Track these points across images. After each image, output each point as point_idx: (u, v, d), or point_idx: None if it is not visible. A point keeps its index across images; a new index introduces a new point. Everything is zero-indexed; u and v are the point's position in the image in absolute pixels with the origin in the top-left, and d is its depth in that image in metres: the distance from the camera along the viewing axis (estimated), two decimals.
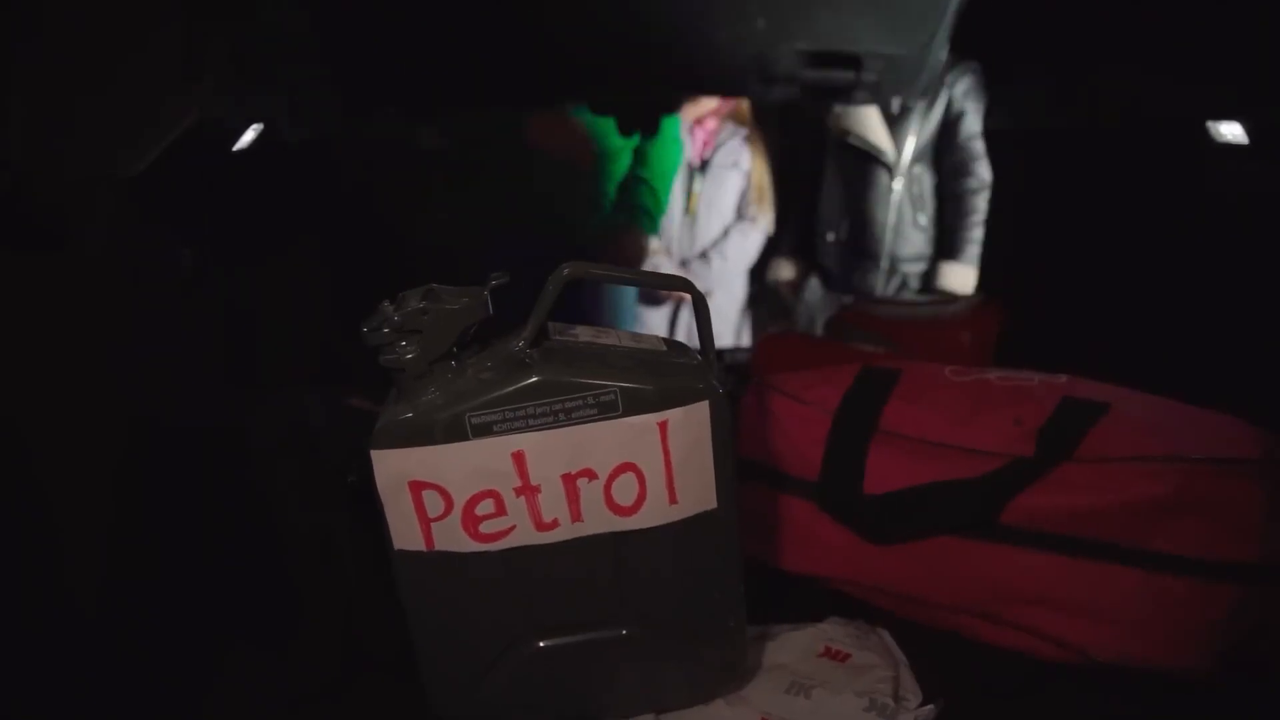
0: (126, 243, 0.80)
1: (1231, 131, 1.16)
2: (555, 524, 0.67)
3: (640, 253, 2.25)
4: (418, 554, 0.68)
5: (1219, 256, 1.16)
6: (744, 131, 2.67)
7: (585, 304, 2.26)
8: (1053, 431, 0.80)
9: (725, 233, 2.69)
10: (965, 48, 2.45)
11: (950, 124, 2.37)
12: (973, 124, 2.37)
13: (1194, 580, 0.75)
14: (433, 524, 0.67)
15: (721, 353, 1.77)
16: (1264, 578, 0.74)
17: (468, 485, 0.65)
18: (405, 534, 0.67)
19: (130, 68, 0.76)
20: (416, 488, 0.65)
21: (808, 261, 2.67)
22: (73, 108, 0.72)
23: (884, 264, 2.45)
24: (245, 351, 0.98)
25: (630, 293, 2.51)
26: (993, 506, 0.79)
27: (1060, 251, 1.43)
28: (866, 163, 2.43)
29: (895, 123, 2.40)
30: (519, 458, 0.64)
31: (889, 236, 2.43)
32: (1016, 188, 1.60)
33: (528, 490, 0.66)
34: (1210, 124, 1.17)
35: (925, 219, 2.43)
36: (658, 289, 1.98)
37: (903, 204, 2.42)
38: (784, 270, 2.69)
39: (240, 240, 0.97)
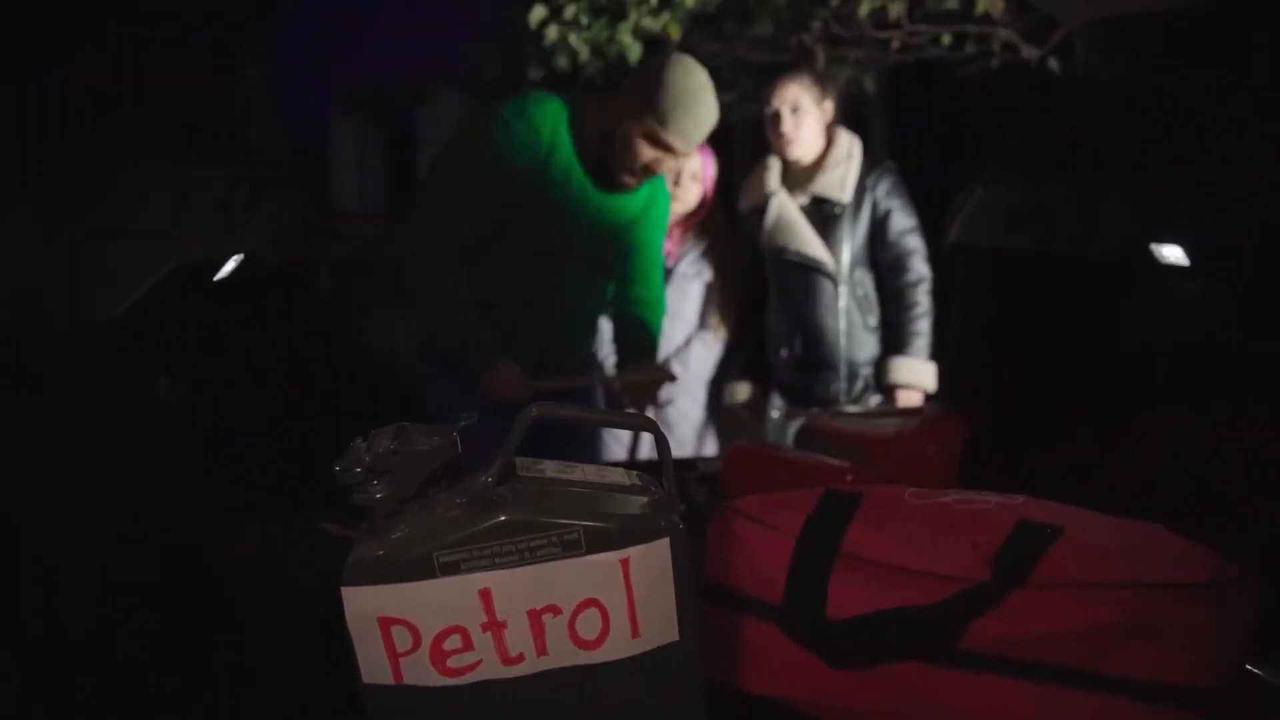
0: (106, 379, 0.82)
1: (1173, 254, 1.22)
2: (521, 658, 0.69)
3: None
4: (386, 688, 0.69)
5: (1161, 372, 1.20)
6: (707, 242, 2.73)
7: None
8: (1008, 557, 0.82)
9: (688, 341, 2.72)
10: (888, 154, 2.58)
11: (879, 224, 2.46)
12: (900, 221, 2.46)
13: (1148, 705, 0.76)
14: (401, 659, 0.68)
15: (694, 462, 1.79)
16: (1216, 700, 0.76)
17: (435, 621, 0.67)
18: (374, 668, 0.69)
19: (114, 215, 0.80)
20: (385, 623, 0.67)
21: (763, 381, 2.69)
22: (57, 256, 0.76)
23: (843, 371, 2.48)
24: (221, 477, 1.00)
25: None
26: (951, 632, 0.81)
27: (1021, 365, 1.47)
28: (808, 275, 2.49)
29: (828, 232, 2.47)
30: (485, 595, 0.66)
31: (844, 344, 2.48)
32: (979, 302, 1.66)
33: (494, 626, 0.67)
34: (1153, 246, 1.23)
35: (875, 320, 2.48)
36: (622, 428, 2.02)
37: (851, 310, 2.47)
38: (740, 392, 2.71)
39: (218, 367, 0.99)
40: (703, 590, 0.88)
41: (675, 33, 3.93)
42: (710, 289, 2.73)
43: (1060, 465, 1.26)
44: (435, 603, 0.66)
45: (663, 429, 2.31)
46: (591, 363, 2.35)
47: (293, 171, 1.36)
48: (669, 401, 2.69)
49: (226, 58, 1.08)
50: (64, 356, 0.78)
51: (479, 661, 0.68)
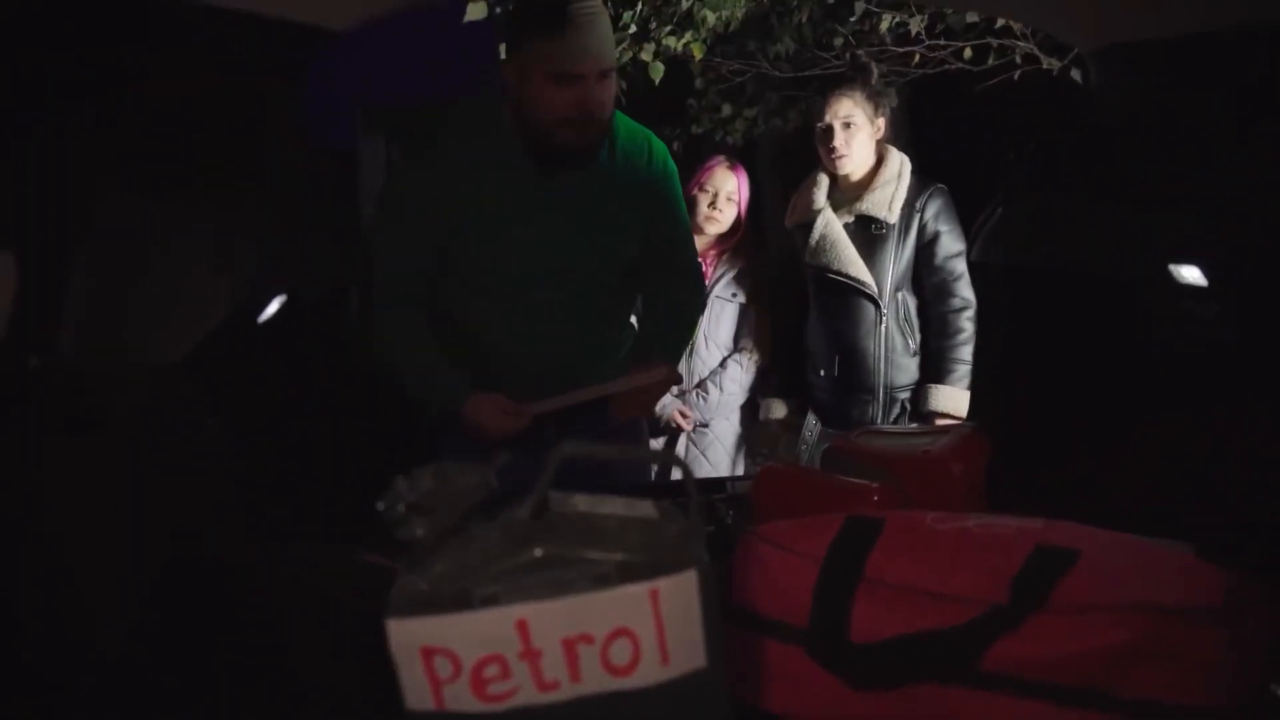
0: (159, 418, 0.87)
1: (1191, 274, 1.24)
2: (556, 685, 0.72)
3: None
4: (429, 714, 0.73)
5: (1179, 391, 1.22)
6: (742, 263, 2.73)
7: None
8: (1025, 581, 0.85)
9: (723, 364, 2.72)
10: (935, 173, 2.53)
11: (925, 247, 2.41)
12: (949, 244, 2.41)
13: None
14: (443, 686, 0.72)
15: (723, 482, 1.82)
16: None
17: (475, 651, 0.71)
18: (417, 695, 0.72)
19: (167, 268, 0.85)
20: (428, 653, 0.71)
21: (800, 399, 2.66)
22: (117, 307, 0.80)
23: (881, 395, 2.45)
24: (265, 508, 1.05)
25: None
26: (972, 655, 0.83)
27: (1042, 382, 1.49)
28: (850, 296, 2.45)
29: (872, 252, 2.43)
30: (522, 625, 0.70)
31: (883, 368, 2.44)
32: (1000, 319, 1.68)
33: (530, 655, 0.71)
34: (1171, 266, 1.25)
35: (915, 344, 2.44)
36: (650, 463, 1.93)
37: (891, 333, 2.43)
38: (776, 409, 2.70)
39: (262, 404, 1.04)
40: (729, 613, 0.91)
41: (698, 51, 3.97)
42: (745, 310, 2.73)
43: (1082, 482, 1.28)
44: (475, 633, 0.70)
45: (697, 451, 2.29)
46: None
47: (327, 201, 1.41)
48: (703, 423, 2.70)
49: (260, 91, 1.13)
50: (122, 398, 0.83)
51: (517, 688, 0.72)
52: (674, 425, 2.68)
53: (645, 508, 0.77)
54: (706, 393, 2.69)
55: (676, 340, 2.03)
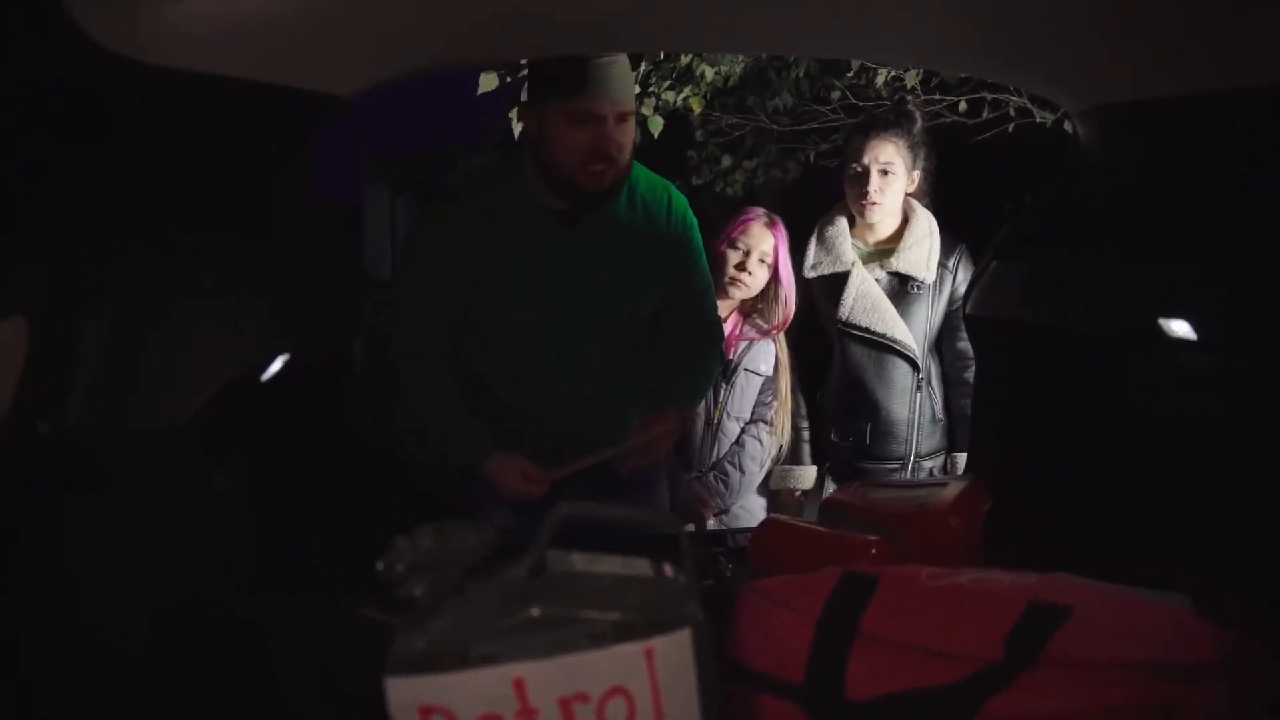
0: (168, 477, 0.89)
1: (1181, 329, 1.25)
2: None
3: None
4: None
5: (1172, 440, 1.23)
6: (770, 334, 2.49)
7: None
8: (1019, 637, 0.86)
9: (739, 441, 2.48)
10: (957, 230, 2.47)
11: (957, 310, 2.28)
12: None
13: None
14: None
15: (723, 535, 1.81)
16: None
17: (473, 709, 0.71)
18: None
19: (175, 331, 0.87)
20: (426, 711, 0.72)
21: (823, 468, 2.50)
22: (126, 370, 0.82)
23: (910, 464, 2.32)
24: (271, 563, 1.06)
25: None
26: (967, 712, 0.84)
27: (1039, 435, 1.50)
28: (887, 359, 2.31)
29: (907, 313, 2.30)
30: (519, 684, 0.71)
31: (915, 435, 2.31)
32: (996, 373, 1.69)
33: (527, 713, 0.72)
34: (1161, 321, 1.26)
35: (939, 410, 2.34)
36: (648, 527, 1.84)
37: (921, 398, 2.32)
38: (801, 479, 2.50)
39: (269, 462, 1.06)
40: (726, 667, 0.92)
41: (697, 105, 4.04)
42: (770, 379, 2.49)
43: (1080, 534, 1.29)
44: (473, 692, 0.71)
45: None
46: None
47: (334, 259, 1.43)
48: (724, 509, 2.47)
49: (271, 157, 1.15)
50: (130, 458, 0.85)
51: None
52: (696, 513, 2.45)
53: (642, 566, 0.78)
54: (726, 475, 2.45)
55: (692, 386, 2.00)
